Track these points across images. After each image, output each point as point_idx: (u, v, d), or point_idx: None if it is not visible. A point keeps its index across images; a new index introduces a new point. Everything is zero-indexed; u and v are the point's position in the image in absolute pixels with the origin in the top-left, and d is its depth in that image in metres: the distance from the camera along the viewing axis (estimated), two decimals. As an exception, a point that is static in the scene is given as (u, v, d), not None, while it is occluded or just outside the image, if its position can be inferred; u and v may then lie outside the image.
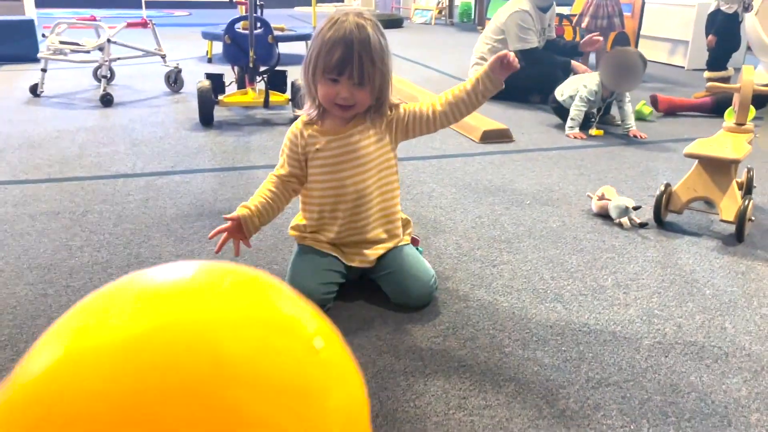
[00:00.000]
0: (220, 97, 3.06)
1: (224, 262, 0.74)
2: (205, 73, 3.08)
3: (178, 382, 0.55)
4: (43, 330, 1.31)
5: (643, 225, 1.96)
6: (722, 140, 1.97)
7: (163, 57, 3.79)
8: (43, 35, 3.64)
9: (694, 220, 2.04)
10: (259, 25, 3.09)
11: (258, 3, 3.35)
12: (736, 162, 1.88)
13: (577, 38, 5.00)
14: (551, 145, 2.88)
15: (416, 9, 9.09)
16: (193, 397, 0.55)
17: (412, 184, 2.29)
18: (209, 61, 4.91)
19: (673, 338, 1.37)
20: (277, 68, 3.18)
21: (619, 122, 3.11)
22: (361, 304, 1.47)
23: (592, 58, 4.71)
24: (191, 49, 5.32)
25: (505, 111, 3.42)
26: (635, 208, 1.96)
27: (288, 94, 3.15)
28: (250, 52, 3.05)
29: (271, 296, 0.70)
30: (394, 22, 7.90)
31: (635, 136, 3.01)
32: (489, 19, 5.19)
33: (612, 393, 1.19)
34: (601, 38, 3.51)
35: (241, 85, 3.25)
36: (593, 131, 3.04)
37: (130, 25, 3.76)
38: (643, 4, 5.09)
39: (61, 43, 3.53)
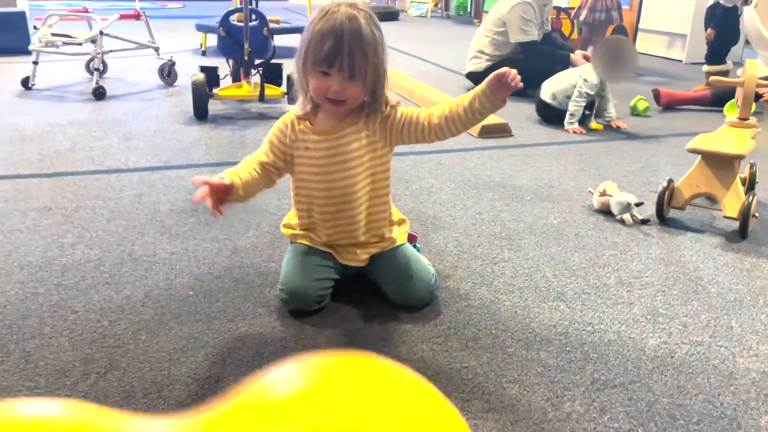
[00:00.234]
0: (214, 91, 3.01)
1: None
2: (200, 66, 3.03)
3: None
4: (34, 330, 1.27)
5: (645, 221, 1.93)
6: (725, 135, 1.94)
7: (157, 50, 3.74)
8: (35, 27, 3.58)
9: (696, 216, 2.01)
10: (254, 17, 3.04)
11: (253, -5, 3.30)
12: (740, 157, 1.85)
13: (575, 32, 4.96)
14: (551, 139, 2.85)
15: (412, 2, 9.03)
16: None
17: (410, 180, 2.26)
18: (203, 53, 4.85)
19: (679, 338, 1.35)
20: (273, 61, 3.13)
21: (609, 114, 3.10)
22: (361, 305, 1.44)
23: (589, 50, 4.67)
24: (185, 41, 5.25)
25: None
26: (637, 204, 1.93)
27: (283, 88, 3.11)
28: (245, 45, 3.00)
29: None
30: (389, 15, 7.84)
31: (617, 127, 3.00)
32: (486, 11, 5.16)
33: (618, 395, 1.16)
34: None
35: (236, 78, 3.20)
36: (593, 125, 3.01)
37: (122, 17, 3.70)
38: (642, -3, 5.06)
39: (53, 35, 3.47)
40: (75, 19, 3.80)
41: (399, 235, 1.49)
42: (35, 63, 3.47)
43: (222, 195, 1.26)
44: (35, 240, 1.71)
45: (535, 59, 3.47)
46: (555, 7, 4.45)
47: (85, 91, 3.48)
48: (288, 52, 4.93)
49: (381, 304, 1.43)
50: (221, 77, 3.08)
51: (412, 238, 1.56)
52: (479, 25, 3.96)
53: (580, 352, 1.29)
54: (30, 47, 3.51)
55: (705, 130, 2.06)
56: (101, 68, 3.54)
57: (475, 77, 3.77)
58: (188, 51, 4.93)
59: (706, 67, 3.97)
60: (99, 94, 3.30)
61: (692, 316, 1.43)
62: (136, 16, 3.78)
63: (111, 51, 3.60)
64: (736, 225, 1.87)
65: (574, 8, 4.80)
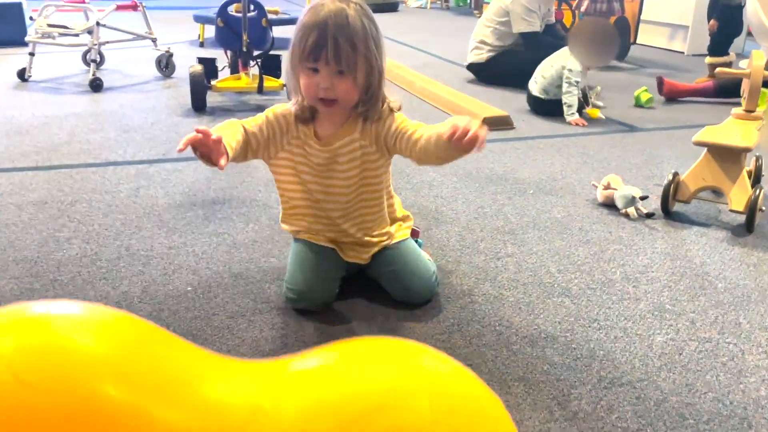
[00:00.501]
0: (212, 82, 2.97)
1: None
2: (198, 58, 2.99)
3: None
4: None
5: (650, 215, 1.90)
6: (732, 128, 1.91)
7: (154, 41, 3.69)
8: (31, 18, 3.53)
9: (701, 210, 1.99)
10: (252, 7, 2.99)
11: (251, -15, 3.25)
12: (747, 150, 1.82)
13: (576, 23, 4.92)
14: (553, 132, 2.82)
15: (411, -7, 8.95)
16: None
17: (411, 173, 2.23)
18: (201, 45, 4.80)
19: (687, 335, 1.32)
20: (271, 52, 3.09)
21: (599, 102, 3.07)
22: (363, 301, 1.42)
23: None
24: (182, 32, 5.20)
25: (504, 97, 3.35)
26: (642, 198, 1.91)
27: (282, 79, 3.07)
28: (244, 36, 2.96)
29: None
30: (389, 6, 7.78)
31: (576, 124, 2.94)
32: (487, 3, 5.11)
33: (626, 393, 1.14)
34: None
35: (234, 69, 3.16)
36: (589, 111, 2.98)
37: (119, 7, 3.65)
38: (644, -12, 5.01)
39: (50, 26, 3.42)
40: (71, 9, 3.75)
41: (399, 231, 1.46)
42: (32, 54, 3.42)
43: (207, 149, 1.11)
44: (31, 234, 1.68)
45: (536, 50, 3.42)
46: (556, -2, 4.40)
47: (81, 82, 3.44)
48: (287, 44, 4.87)
49: (383, 301, 1.41)
50: (219, 69, 3.04)
51: (414, 233, 1.53)
52: (479, 17, 3.91)
53: (586, 350, 1.26)
54: (26, 38, 3.46)
55: (710, 122, 2.03)
56: (98, 59, 3.49)
57: (477, 68, 3.74)
58: (186, 42, 4.88)
59: (708, 59, 3.94)
60: (96, 85, 3.26)
61: (700, 312, 1.41)
62: (133, 7, 3.73)
63: (108, 42, 3.56)
64: (742, 219, 1.84)
65: (575, -1, 4.75)
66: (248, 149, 1.30)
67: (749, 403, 1.12)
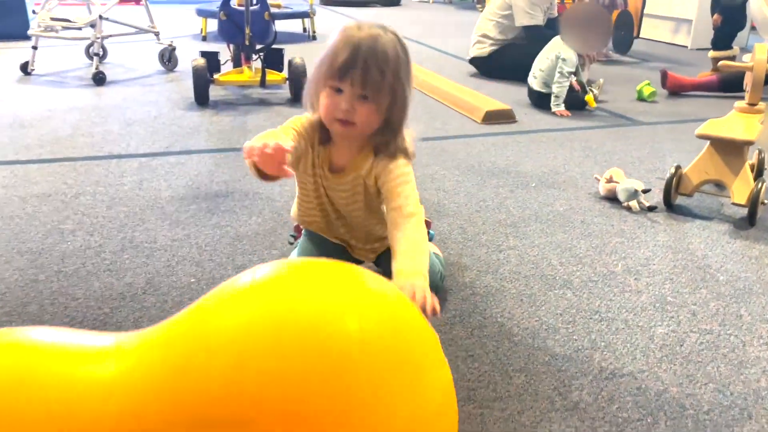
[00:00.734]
0: (215, 76, 2.97)
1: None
2: (200, 51, 2.99)
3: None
4: (34, 317, 1.26)
5: (652, 208, 1.90)
6: (734, 121, 1.91)
7: (157, 34, 3.69)
8: (34, 11, 3.53)
9: (704, 203, 1.99)
10: (255, 1, 2.99)
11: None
12: (749, 143, 1.82)
13: (567, 9, 4.90)
14: (555, 125, 2.82)
15: (414, -13, 8.91)
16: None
17: (414, 167, 2.23)
18: (204, 39, 4.80)
19: (688, 326, 1.33)
20: (274, 46, 3.09)
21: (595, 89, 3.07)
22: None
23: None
24: (185, 26, 5.20)
25: (507, 91, 3.35)
26: (644, 191, 1.91)
27: (285, 73, 3.07)
28: (246, 30, 2.96)
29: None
30: (391, 0, 7.77)
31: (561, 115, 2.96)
32: (490, -4, 5.09)
33: (627, 384, 1.14)
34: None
35: (236, 63, 3.16)
36: (588, 99, 2.98)
37: (122, 1, 3.65)
38: (647, -19, 4.99)
39: (52, 19, 3.42)
40: (74, 3, 3.75)
41: None
42: (34, 48, 3.43)
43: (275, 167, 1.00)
44: (35, 226, 1.69)
45: (539, 44, 3.41)
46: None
47: (84, 76, 3.45)
48: (289, 38, 4.88)
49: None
50: (222, 63, 3.05)
51: (426, 224, 1.53)
52: (482, 11, 3.90)
53: (587, 341, 1.27)
54: (29, 32, 3.46)
55: (712, 115, 2.03)
56: (101, 53, 3.50)
57: (479, 62, 3.73)
58: (188, 36, 4.88)
59: (711, 53, 3.92)
60: (99, 79, 3.27)
61: (701, 304, 1.41)
62: (136, 0, 3.73)
63: (111, 36, 3.56)
64: (744, 212, 1.85)
65: (578, -7, 4.74)
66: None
67: (749, 393, 1.13)
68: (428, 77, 3.47)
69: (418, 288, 1.04)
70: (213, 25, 4.35)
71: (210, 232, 1.69)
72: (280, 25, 3.30)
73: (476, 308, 1.37)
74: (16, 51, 3.99)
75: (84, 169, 2.12)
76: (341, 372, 0.64)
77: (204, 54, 2.95)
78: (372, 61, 1.12)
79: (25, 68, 3.44)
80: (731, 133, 1.84)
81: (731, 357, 1.23)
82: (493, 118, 2.83)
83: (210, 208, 1.83)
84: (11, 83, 3.27)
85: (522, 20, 3.47)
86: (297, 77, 2.99)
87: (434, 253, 1.46)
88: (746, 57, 2.01)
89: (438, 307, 1.05)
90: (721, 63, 2.04)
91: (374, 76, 1.12)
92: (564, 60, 2.89)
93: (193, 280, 1.45)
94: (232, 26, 2.99)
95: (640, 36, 5.31)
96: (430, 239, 1.49)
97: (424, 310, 1.02)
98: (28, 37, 3.51)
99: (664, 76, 3.46)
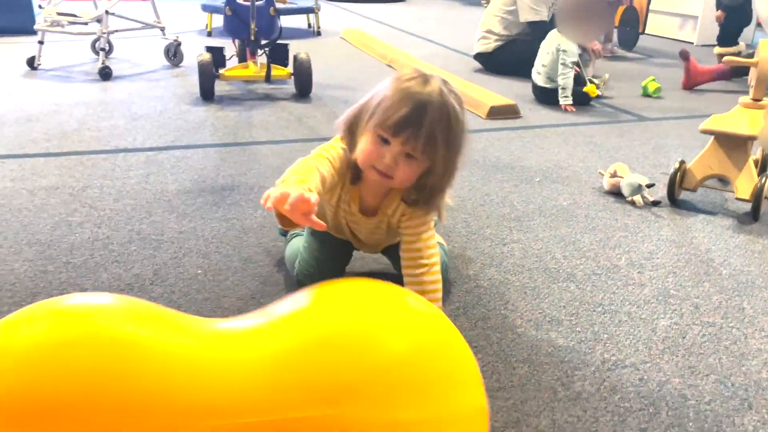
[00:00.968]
0: (220, 71, 2.99)
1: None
2: (206, 47, 3.00)
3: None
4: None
5: (656, 203, 1.91)
6: (738, 116, 1.92)
7: (162, 30, 3.71)
8: (40, 6, 3.55)
9: (708, 198, 1.99)
10: (260, -4, 3.00)
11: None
12: (753, 138, 1.83)
13: None
14: (560, 121, 2.82)
15: (419, -17, 8.89)
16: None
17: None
18: (209, 34, 4.81)
19: (691, 319, 1.34)
20: (279, 41, 3.10)
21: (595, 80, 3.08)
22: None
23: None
24: (190, 22, 5.21)
25: (511, 86, 3.35)
26: (648, 186, 1.92)
27: (290, 68, 3.08)
28: (252, 25, 2.97)
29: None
30: (396, -4, 7.76)
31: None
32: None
33: (629, 375, 1.15)
34: (599, 46, 3.36)
35: (242, 58, 3.17)
36: (588, 89, 2.99)
37: (128, -4, 3.66)
38: (653, -23, 4.98)
39: (59, 14, 3.43)
40: (80, -2, 3.76)
41: None
42: (41, 43, 3.44)
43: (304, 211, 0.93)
44: (43, 219, 1.71)
45: (543, 40, 3.42)
46: (564, -12, 4.38)
47: (90, 71, 3.46)
48: (294, 33, 4.89)
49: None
50: (227, 58, 3.06)
51: None
52: (486, 6, 3.90)
53: (590, 333, 1.28)
54: (35, 27, 3.48)
55: (717, 111, 2.03)
56: (107, 48, 3.51)
57: (484, 58, 3.73)
58: (194, 32, 4.89)
59: (717, 49, 3.92)
60: (105, 74, 3.28)
61: (704, 297, 1.42)
62: (142, -4, 3.75)
63: (117, 31, 3.57)
64: (748, 207, 1.85)
65: (583, -11, 4.73)
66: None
67: (750, 384, 1.14)
68: (435, 73, 3.47)
69: None
70: (218, 20, 4.36)
71: (216, 224, 1.70)
72: (284, 21, 3.31)
73: (480, 300, 1.39)
74: (22, 46, 4.01)
75: (91, 163, 2.13)
76: (384, 385, 0.70)
77: (209, 49, 2.97)
78: (433, 126, 1.03)
79: (31, 63, 3.46)
80: (735, 128, 1.84)
81: (733, 349, 1.24)
82: (497, 113, 2.83)
83: (216, 202, 1.85)
84: (18, 78, 3.29)
85: (527, 16, 3.47)
86: (302, 72, 3.00)
87: (439, 242, 1.47)
88: (749, 51, 2.01)
89: None
90: (725, 59, 2.05)
91: (430, 141, 1.04)
92: (565, 51, 2.90)
93: (199, 272, 1.47)
94: (237, 21, 3.00)
95: (646, 32, 5.30)
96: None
97: None
98: (34, 32, 3.53)
99: (686, 55, 3.43)
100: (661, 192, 1.97)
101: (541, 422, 1.04)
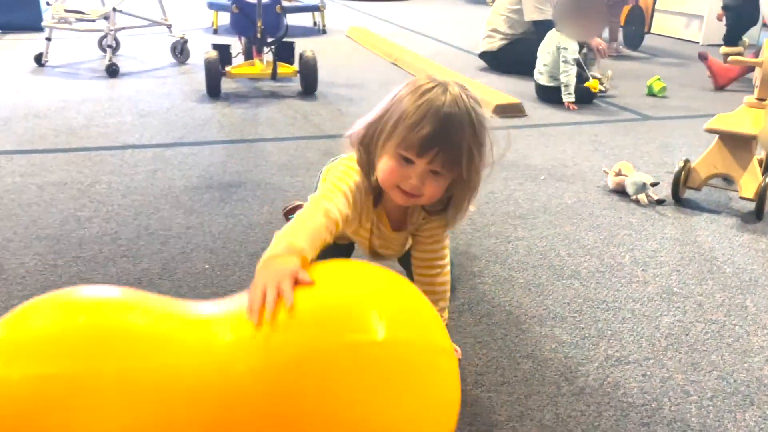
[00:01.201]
0: (227, 69, 3.00)
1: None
2: (212, 44, 3.02)
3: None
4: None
5: (660, 202, 1.92)
6: (743, 115, 1.92)
7: (169, 27, 3.72)
8: (48, 3, 3.57)
9: (712, 197, 2.00)
10: (267, -6, 3.01)
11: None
12: (755, 138, 1.83)
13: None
14: (565, 119, 2.83)
15: (424, -19, 8.90)
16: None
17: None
18: (215, 32, 4.83)
19: (694, 316, 1.35)
20: (285, 39, 3.11)
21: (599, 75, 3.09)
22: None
23: (604, 31, 4.60)
24: (196, 19, 5.23)
25: (516, 85, 3.36)
26: (653, 185, 1.92)
27: (296, 66, 3.10)
28: (258, 23, 2.98)
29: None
30: (402, -5, 7.76)
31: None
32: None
33: (632, 371, 1.17)
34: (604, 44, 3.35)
35: (248, 56, 3.19)
36: (590, 84, 2.99)
37: (135, -7, 3.68)
38: (659, -24, 4.97)
39: (66, 11, 3.46)
40: (87, -5, 3.78)
41: None
42: (48, 39, 3.46)
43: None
44: (52, 213, 1.73)
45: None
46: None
47: (98, 68, 3.49)
48: (300, 31, 4.90)
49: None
50: (233, 55, 3.08)
51: None
52: (491, 5, 3.91)
53: (594, 329, 1.29)
54: (43, 24, 3.50)
55: (722, 110, 2.04)
56: (114, 45, 3.53)
57: (489, 57, 3.74)
58: (200, 29, 4.91)
59: (723, 49, 3.92)
60: (112, 71, 3.30)
61: (707, 295, 1.43)
62: (149, -7, 3.76)
63: (124, 28, 3.59)
64: (752, 206, 1.86)
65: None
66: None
67: (752, 381, 1.15)
68: (438, 71, 3.48)
69: None
70: (224, 18, 4.38)
71: (223, 220, 1.72)
72: (290, 19, 3.32)
73: (485, 297, 1.40)
74: (30, 42, 4.04)
75: (99, 159, 2.15)
76: (368, 368, 0.74)
77: (216, 47, 2.98)
78: (459, 139, 0.96)
79: (39, 59, 3.48)
80: (740, 127, 1.85)
81: (735, 346, 1.25)
82: (502, 111, 2.84)
83: (223, 198, 1.86)
84: (25, 74, 3.31)
85: (531, 15, 3.48)
86: (308, 70, 3.01)
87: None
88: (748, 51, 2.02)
89: (458, 354, 1.15)
90: (730, 59, 2.05)
91: (457, 154, 0.97)
92: (565, 48, 2.91)
93: (207, 267, 1.48)
94: (244, 19, 3.01)
95: (651, 31, 5.30)
96: None
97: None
98: (40, 29, 3.55)
99: (704, 57, 3.43)
100: (665, 191, 1.97)
101: (545, 416, 1.05)
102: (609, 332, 1.28)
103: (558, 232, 1.72)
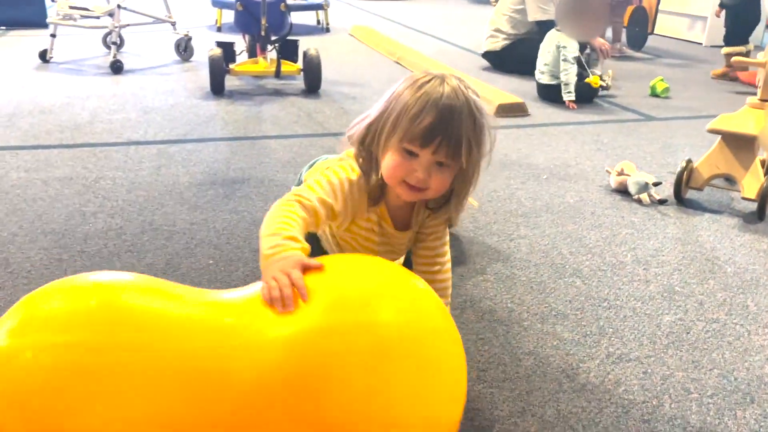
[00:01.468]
0: (231, 66, 3.01)
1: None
2: (216, 42, 3.03)
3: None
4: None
5: (662, 201, 1.93)
6: (746, 116, 1.93)
7: (173, 24, 3.74)
8: (52, 0, 3.58)
9: (714, 197, 2.00)
10: (271, -8, 3.02)
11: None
12: (756, 138, 1.84)
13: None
14: (567, 119, 2.83)
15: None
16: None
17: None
18: (219, 29, 4.84)
19: (695, 315, 1.35)
20: (289, 37, 3.12)
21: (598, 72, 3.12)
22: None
23: (607, 32, 4.61)
24: (201, 17, 5.24)
25: (520, 84, 3.37)
26: (655, 184, 1.93)
27: (300, 64, 3.10)
28: (262, 20, 2.99)
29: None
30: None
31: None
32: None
33: (633, 368, 1.17)
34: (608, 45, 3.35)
35: (252, 53, 3.20)
36: (591, 80, 3.00)
37: (139, -10, 3.69)
38: (662, -23, 4.97)
39: (71, 8, 3.47)
40: (92, -8, 3.79)
41: None
42: (53, 36, 3.48)
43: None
44: (57, 208, 1.74)
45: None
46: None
47: (102, 64, 3.50)
48: (304, 29, 4.91)
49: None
50: (237, 53, 3.09)
51: None
52: (495, 5, 3.92)
53: (595, 327, 1.30)
54: (48, 20, 3.52)
55: (725, 111, 2.04)
56: (118, 42, 3.54)
57: (492, 56, 3.75)
58: (203, 27, 4.92)
59: (725, 49, 3.92)
60: (116, 67, 3.31)
61: (708, 294, 1.44)
62: (153, -9, 3.77)
63: (128, 25, 3.61)
64: (754, 206, 1.86)
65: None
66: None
67: (753, 379, 1.15)
68: (441, 71, 3.49)
69: None
70: (228, 16, 4.39)
71: (227, 216, 1.73)
72: (293, 17, 3.33)
73: (487, 294, 1.41)
74: (35, 39, 4.05)
75: (103, 155, 2.16)
76: (377, 350, 0.79)
77: (220, 44, 2.99)
78: (460, 128, 0.97)
79: (43, 56, 3.49)
80: (742, 128, 1.85)
81: (736, 345, 1.26)
82: (505, 111, 2.85)
83: (227, 194, 1.87)
84: (30, 70, 3.33)
85: (535, 15, 3.48)
86: (311, 68, 3.02)
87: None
88: (761, 55, 2.02)
89: None
90: (733, 59, 2.05)
91: (459, 144, 0.97)
92: (564, 47, 2.92)
93: (211, 262, 1.49)
94: (248, 17, 3.02)
95: (655, 32, 5.30)
96: None
97: None
98: (45, 25, 3.56)
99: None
100: (667, 190, 1.98)
101: (546, 412, 1.06)
102: (610, 330, 1.29)
103: (560, 231, 1.72)
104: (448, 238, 1.22)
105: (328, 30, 5.04)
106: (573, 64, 2.93)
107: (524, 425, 1.03)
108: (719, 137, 1.90)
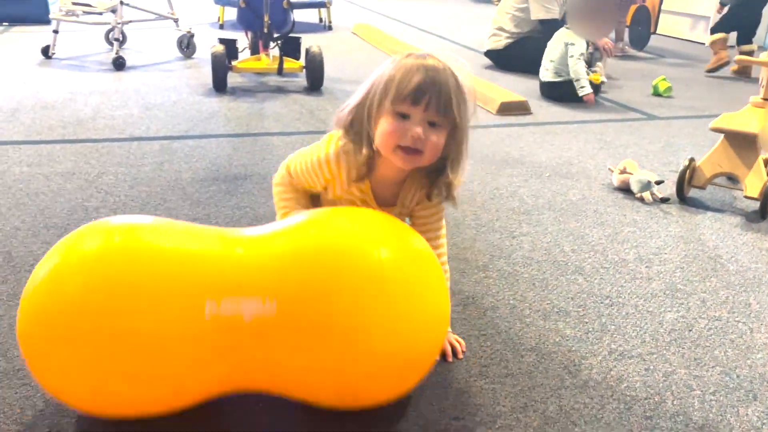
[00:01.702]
0: (233, 63, 3.01)
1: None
2: (219, 38, 3.03)
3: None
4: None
5: (665, 200, 1.92)
6: (748, 115, 1.93)
7: (176, 21, 3.74)
8: (55, -4, 3.58)
9: (716, 196, 2.00)
10: (274, -11, 3.02)
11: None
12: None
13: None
14: (570, 118, 2.83)
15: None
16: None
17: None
18: (221, 26, 4.84)
19: (697, 313, 1.35)
20: (292, 34, 3.12)
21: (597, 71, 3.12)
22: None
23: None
24: (203, 14, 5.24)
25: (522, 83, 3.37)
26: (657, 183, 1.93)
27: (302, 62, 3.10)
28: (265, 17, 2.99)
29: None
30: (407, -8, 7.76)
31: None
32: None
33: (635, 365, 1.17)
34: (612, 43, 3.34)
35: (254, 50, 3.20)
36: (592, 77, 3.00)
37: (142, -13, 3.69)
38: (665, -23, 4.97)
39: (74, 4, 3.47)
40: (95, -11, 3.79)
41: None
42: (55, 32, 3.48)
43: None
44: (60, 203, 1.74)
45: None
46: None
47: (104, 60, 3.50)
48: (307, 26, 4.91)
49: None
50: (240, 50, 3.09)
51: None
52: (498, 4, 3.91)
53: (597, 324, 1.30)
54: (50, 16, 3.52)
55: (727, 110, 2.04)
56: (121, 38, 3.55)
57: (495, 55, 3.75)
58: (206, 24, 4.92)
59: (711, 37, 3.90)
60: (119, 64, 3.31)
61: (711, 292, 1.44)
62: (156, -13, 3.77)
63: (130, 21, 3.61)
64: (756, 205, 1.86)
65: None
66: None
67: (755, 377, 1.15)
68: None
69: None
70: (230, 13, 4.39)
71: (230, 212, 1.73)
72: (296, 15, 3.33)
73: (489, 291, 1.41)
74: (38, 35, 4.05)
75: (106, 150, 2.16)
76: (365, 284, 0.93)
77: (222, 41, 2.99)
78: (447, 88, 1.02)
79: (46, 52, 3.49)
80: (745, 126, 1.85)
81: (739, 342, 1.26)
82: (508, 109, 2.85)
83: (229, 190, 1.87)
84: (33, 66, 3.33)
85: (538, 14, 3.48)
86: (314, 66, 3.02)
87: None
88: (764, 55, 2.02)
89: (462, 346, 1.19)
90: (737, 57, 2.06)
91: (448, 101, 1.02)
92: (572, 44, 2.92)
93: (213, 257, 1.49)
94: (251, 14, 3.02)
95: (657, 32, 5.30)
96: None
97: (453, 354, 1.17)
98: (48, 21, 3.57)
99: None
100: (670, 189, 1.98)
101: (548, 408, 1.06)
102: (612, 327, 1.29)
103: (562, 229, 1.72)
104: (444, 231, 1.21)
105: (330, 28, 5.04)
106: (580, 60, 2.93)
107: (526, 420, 1.03)
108: (722, 136, 1.90)
